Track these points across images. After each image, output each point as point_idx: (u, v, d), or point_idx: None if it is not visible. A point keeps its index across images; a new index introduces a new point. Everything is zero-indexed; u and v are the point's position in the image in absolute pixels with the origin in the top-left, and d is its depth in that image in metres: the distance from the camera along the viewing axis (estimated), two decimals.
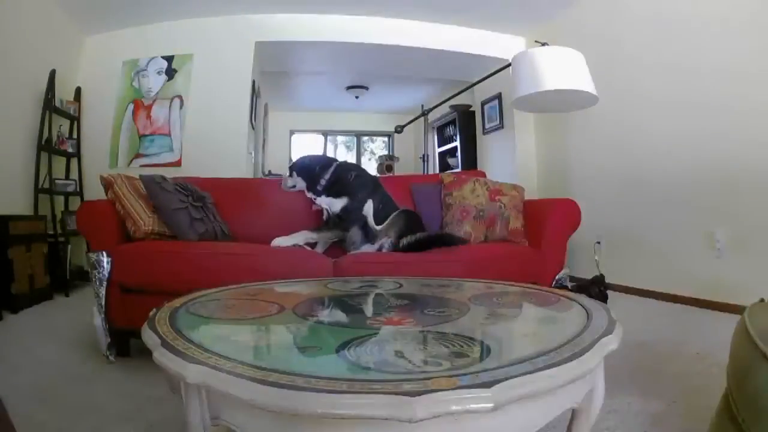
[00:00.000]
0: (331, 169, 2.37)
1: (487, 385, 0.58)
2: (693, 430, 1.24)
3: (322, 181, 2.35)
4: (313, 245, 2.29)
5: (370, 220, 2.31)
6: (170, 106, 4.31)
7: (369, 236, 2.30)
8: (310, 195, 2.40)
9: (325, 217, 2.37)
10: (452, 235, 2.21)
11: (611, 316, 0.96)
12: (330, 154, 8.43)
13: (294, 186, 2.46)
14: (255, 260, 1.95)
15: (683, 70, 3.11)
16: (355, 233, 2.30)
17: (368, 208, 2.32)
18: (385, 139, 8.81)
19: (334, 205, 2.31)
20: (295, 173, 2.44)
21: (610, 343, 0.80)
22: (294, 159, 2.59)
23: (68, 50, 4.14)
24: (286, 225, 2.44)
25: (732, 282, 2.76)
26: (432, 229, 2.40)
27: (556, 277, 2.22)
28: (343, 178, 2.35)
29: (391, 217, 2.29)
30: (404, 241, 2.16)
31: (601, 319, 0.93)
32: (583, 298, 1.16)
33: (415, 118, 3.32)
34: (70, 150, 4.00)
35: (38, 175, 3.58)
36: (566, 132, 4.35)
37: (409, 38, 4.61)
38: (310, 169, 2.41)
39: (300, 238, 2.22)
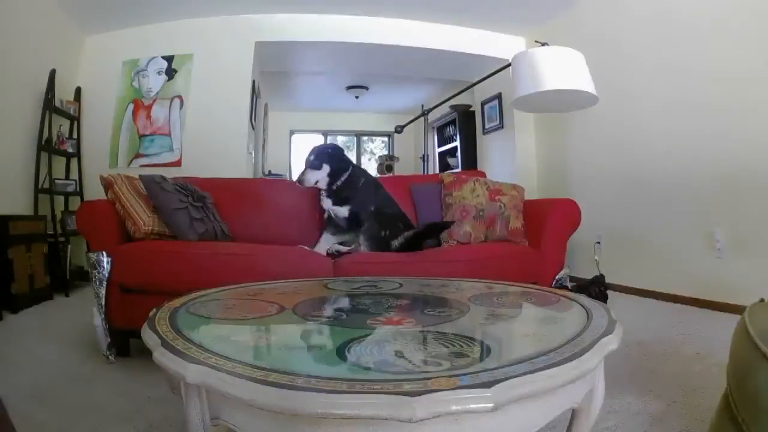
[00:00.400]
0: (348, 172, 2.31)
1: (487, 385, 0.58)
2: (693, 430, 1.25)
3: (338, 182, 2.28)
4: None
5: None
6: (170, 106, 4.31)
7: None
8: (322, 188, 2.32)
9: (326, 216, 2.38)
10: (437, 223, 2.12)
11: (611, 316, 0.96)
12: None
13: (318, 181, 2.27)
14: (255, 260, 1.95)
15: (683, 70, 3.11)
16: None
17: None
18: (385, 139, 8.81)
19: (340, 211, 2.29)
20: (326, 165, 2.25)
21: (610, 343, 0.80)
22: (311, 150, 2.36)
23: (68, 50, 4.14)
24: (285, 225, 2.45)
25: (732, 282, 2.76)
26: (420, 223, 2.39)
27: (556, 277, 2.22)
28: (353, 183, 2.32)
29: (364, 225, 2.22)
30: (395, 243, 2.15)
31: (601, 319, 0.93)
32: (583, 298, 1.16)
33: (415, 118, 3.32)
34: (70, 150, 4.00)
35: (38, 175, 3.58)
36: (566, 132, 4.35)
37: (409, 38, 4.61)
38: (340, 158, 2.31)
39: (327, 245, 2.26)
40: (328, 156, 2.30)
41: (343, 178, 2.29)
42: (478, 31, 4.75)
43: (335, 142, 8.71)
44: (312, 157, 2.30)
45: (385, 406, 0.55)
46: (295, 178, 2.39)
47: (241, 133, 4.39)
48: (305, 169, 2.29)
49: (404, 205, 2.47)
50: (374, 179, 2.52)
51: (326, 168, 2.27)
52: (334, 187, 2.29)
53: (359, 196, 2.31)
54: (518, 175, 4.59)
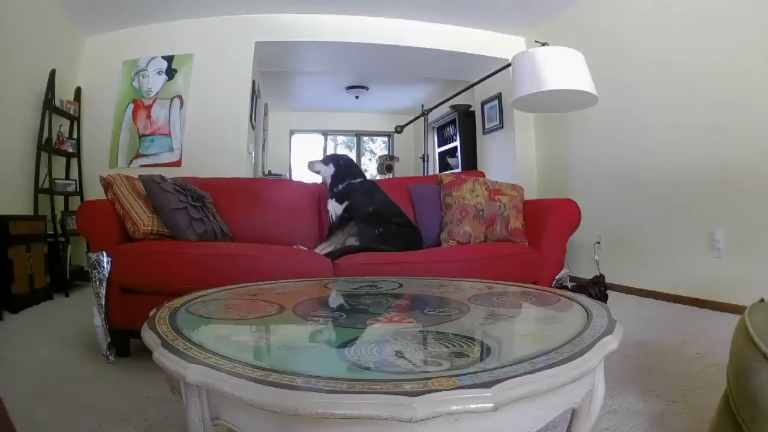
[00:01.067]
0: (358, 180, 2.50)
1: (487, 385, 0.58)
2: (693, 430, 1.25)
3: (342, 184, 2.44)
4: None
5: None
6: (170, 106, 4.31)
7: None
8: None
9: (331, 219, 2.41)
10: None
11: (611, 316, 0.96)
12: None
13: (320, 172, 2.53)
14: (255, 260, 1.95)
15: (683, 70, 3.11)
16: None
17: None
18: (385, 139, 8.81)
19: (338, 208, 2.38)
20: (332, 165, 2.50)
21: (610, 343, 0.80)
22: (328, 154, 2.78)
23: (68, 50, 4.14)
24: (285, 225, 2.45)
25: (732, 282, 2.75)
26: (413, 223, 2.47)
27: (556, 277, 2.22)
28: (357, 187, 2.45)
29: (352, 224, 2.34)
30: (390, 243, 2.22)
31: (601, 319, 0.93)
32: (583, 298, 1.16)
33: (415, 118, 3.32)
34: (70, 150, 4.00)
35: (38, 175, 3.58)
36: (566, 132, 4.35)
37: (409, 38, 4.61)
38: (348, 166, 2.54)
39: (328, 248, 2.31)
40: (336, 159, 2.58)
41: (346, 182, 2.46)
42: (478, 31, 4.75)
43: (335, 143, 8.72)
44: (325, 155, 2.61)
45: (385, 406, 0.55)
46: (293, 177, 2.58)
47: (241, 133, 4.39)
48: (318, 161, 2.58)
49: (404, 206, 2.48)
50: (378, 186, 2.59)
51: (332, 168, 2.51)
52: (340, 188, 2.44)
53: (359, 197, 2.39)
54: (518, 175, 4.59)
